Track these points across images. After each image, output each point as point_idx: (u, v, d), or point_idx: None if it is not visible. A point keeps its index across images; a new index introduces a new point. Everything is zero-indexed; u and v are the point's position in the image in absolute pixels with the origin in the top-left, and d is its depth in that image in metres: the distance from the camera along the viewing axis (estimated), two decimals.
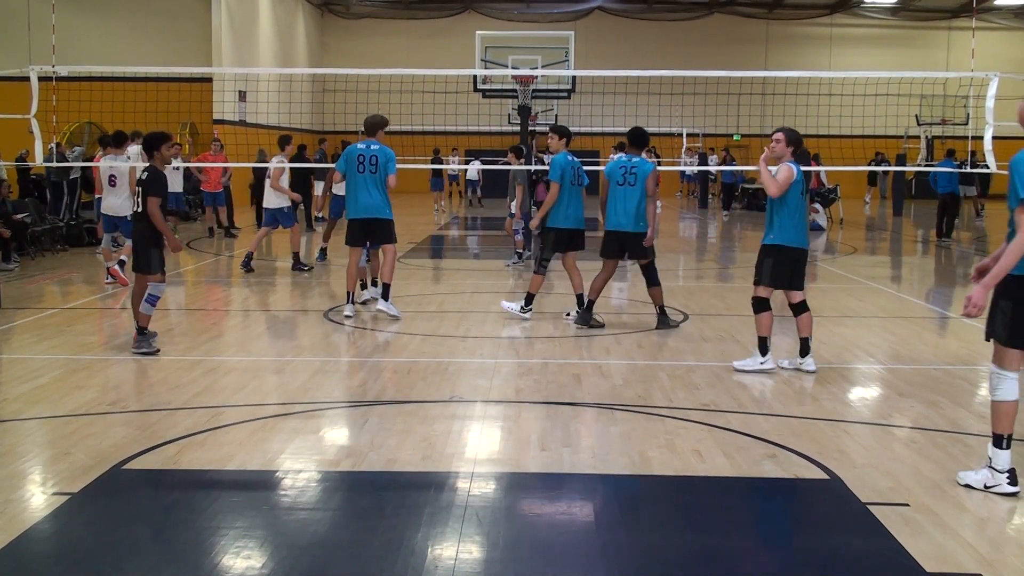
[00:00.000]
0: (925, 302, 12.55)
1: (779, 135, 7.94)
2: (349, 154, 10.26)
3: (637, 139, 9.94)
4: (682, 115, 24.25)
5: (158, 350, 8.60)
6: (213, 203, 20.20)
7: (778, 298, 8.26)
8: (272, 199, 14.49)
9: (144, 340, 8.64)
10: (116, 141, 13.57)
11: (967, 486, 5.33)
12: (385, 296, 10.34)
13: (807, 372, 8.00)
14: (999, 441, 5.28)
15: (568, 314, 10.22)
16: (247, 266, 14.23)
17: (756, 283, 8.05)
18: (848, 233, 22.10)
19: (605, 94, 24.84)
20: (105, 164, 13.35)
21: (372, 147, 10.22)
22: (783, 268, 7.93)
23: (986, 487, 5.29)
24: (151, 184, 8.60)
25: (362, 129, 10.77)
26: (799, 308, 8.04)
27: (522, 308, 10.27)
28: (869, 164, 29.67)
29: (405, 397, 7.21)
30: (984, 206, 27.38)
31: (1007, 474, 5.26)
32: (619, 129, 25.85)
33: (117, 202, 13.01)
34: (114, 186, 13.15)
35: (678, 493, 5.44)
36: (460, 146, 31.75)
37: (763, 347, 8.00)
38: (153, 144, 8.72)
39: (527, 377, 7.87)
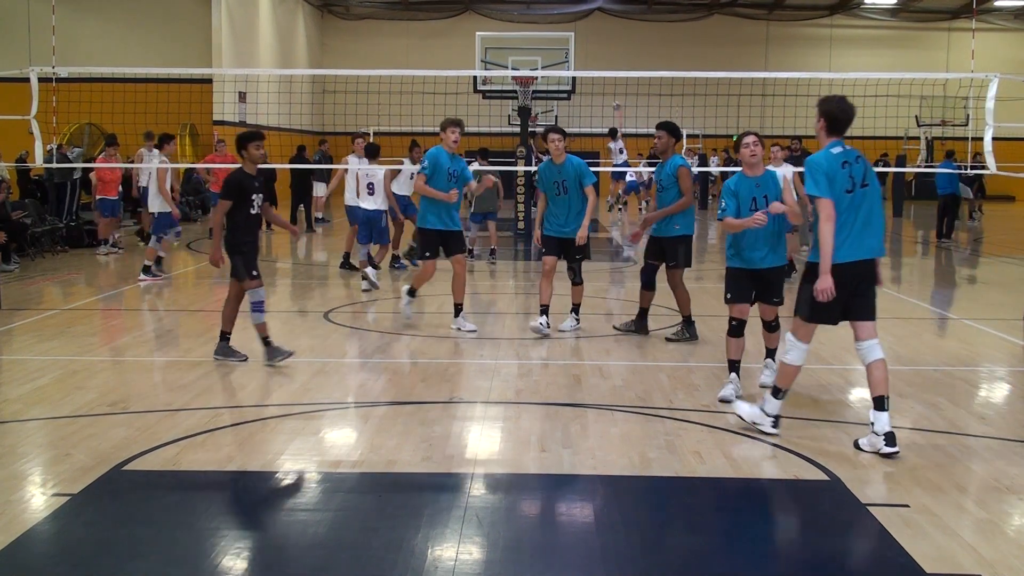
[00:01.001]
0: (925, 303, 12.55)
1: (754, 138, 7.34)
2: None
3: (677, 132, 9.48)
4: (682, 116, 24.16)
5: (290, 353, 8.23)
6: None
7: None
8: (378, 202, 13.43)
9: (274, 350, 8.19)
10: (160, 140, 14.29)
11: (738, 416, 6.41)
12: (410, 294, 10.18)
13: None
14: (776, 392, 6.29)
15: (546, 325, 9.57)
16: (398, 263, 14.36)
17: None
18: None
19: (605, 95, 24.84)
20: (156, 164, 13.85)
21: None
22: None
23: (753, 422, 6.32)
24: (224, 187, 8.21)
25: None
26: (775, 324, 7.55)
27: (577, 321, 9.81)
28: (876, 164, 29.67)
29: (405, 398, 7.21)
30: (982, 207, 27.32)
31: (773, 419, 6.28)
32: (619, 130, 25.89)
33: (151, 200, 13.71)
34: (145, 184, 14.42)
35: (678, 494, 5.44)
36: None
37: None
38: (240, 143, 8.21)
39: (527, 378, 7.87)
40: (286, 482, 5.46)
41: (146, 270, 13.43)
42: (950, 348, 9.31)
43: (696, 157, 31.72)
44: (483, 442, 6.23)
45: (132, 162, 18.30)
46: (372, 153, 13.34)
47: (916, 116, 29.18)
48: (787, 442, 6.14)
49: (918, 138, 31.11)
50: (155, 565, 4.39)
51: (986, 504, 5.19)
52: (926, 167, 28.46)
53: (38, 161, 14.29)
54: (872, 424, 6.00)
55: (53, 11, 17.87)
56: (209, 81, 26.84)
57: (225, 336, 8.42)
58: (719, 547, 4.70)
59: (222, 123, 26.49)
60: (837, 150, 6.09)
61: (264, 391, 7.48)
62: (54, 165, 16.76)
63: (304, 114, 31.48)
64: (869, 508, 5.05)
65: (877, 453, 5.91)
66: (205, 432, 6.28)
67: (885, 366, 6.05)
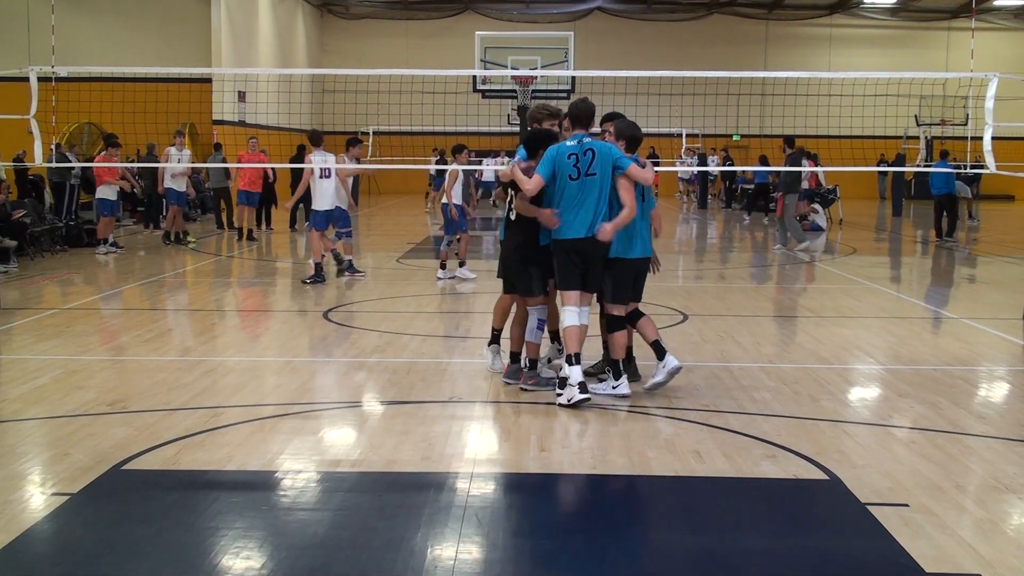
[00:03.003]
0: (924, 303, 12.55)
1: (608, 125, 7.40)
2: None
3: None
4: (681, 115, 24.21)
5: (554, 385, 7.20)
6: (247, 202, 19.49)
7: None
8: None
9: (535, 374, 7.43)
10: (348, 144, 14.13)
11: (561, 405, 6.85)
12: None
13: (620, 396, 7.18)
14: (569, 360, 6.92)
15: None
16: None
17: (612, 300, 7.23)
18: (848, 233, 22.10)
19: (604, 95, 24.80)
20: (317, 160, 13.45)
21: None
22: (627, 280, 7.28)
23: (570, 401, 6.82)
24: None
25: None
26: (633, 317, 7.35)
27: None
28: (879, 164, 29.68)
29: (405, 397, 7.21)
30: (977, 207, 27.30)
31: (579, 386, 6.81)
32: None
33: (327, 198, 13.39)
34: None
35: (678, 494, 5.44)
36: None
37: (619, 370, 7.23)
38: (542, 142, 7.28)
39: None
40: (285, 481, 5.45)
41: (350, 267, 13.62)
42: (950, 348, 9.31)
43: (696, 156, 31.77)
44: (483, 442, 6.23)
45: (132, 161, 18.36)
46: (456, 152, 13.62)
47: (916, 115, 29.19)
48: (787, 442, 6.14)
49: (917, 137, 31.12)
50: (155, 565, 4.39)
51: (985, 504, 5.18)
52: (925, 167, 28.46)
53: (37, 160, 14.29)
54: (568, 378, 6.89)
55: (53, 11, 17.89)
56: (208, 81, 26.84)
57: (516, 358, 7.53)
58: (719, 547, 4.69)
59: (221, 123, 26.51)
60: (571, 143, 7.06)
61: (263, 391, 7.48)
62: (54, 164, 16.77)
63: (304, 114, 31.49)
64: (869, 508, 5.04)
65: (570, 403, 6.78)
66: (204, 432, 6.28)
67: (585, 331, 7.11)
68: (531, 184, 7.02)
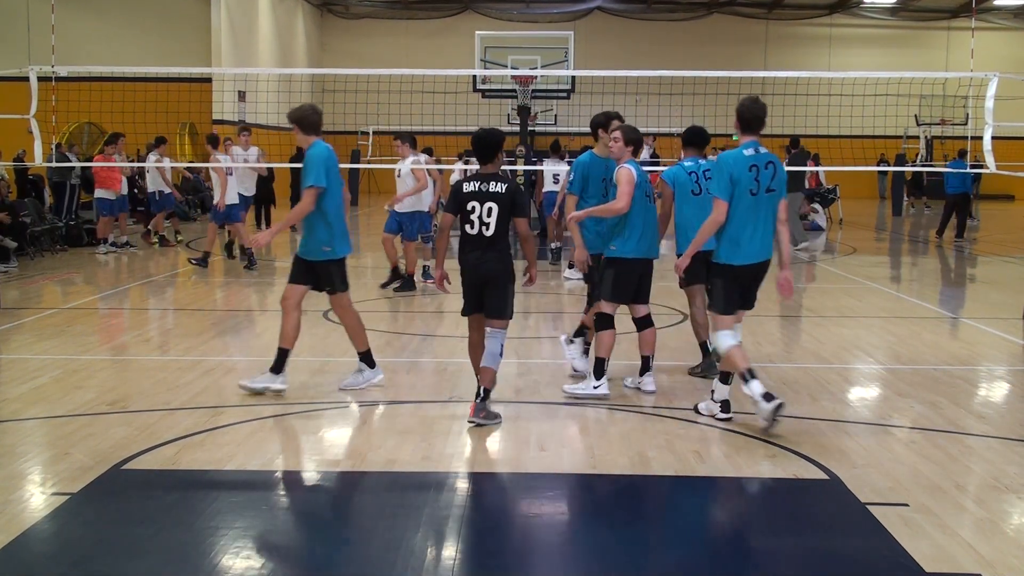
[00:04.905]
0: (924, 302, 12.55)
1: (617, 134, 7.07)
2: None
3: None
4: (681, 115, 24.16)
5: (498, 418, 6.53)
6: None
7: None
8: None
9: (484, 407, 6.47)
10: (211, 142, 15.41)
11: (697, 410, 6.70)
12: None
13: (646, 392, 7.28)
14: (744, 377, 6.31)
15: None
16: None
17: (597, 298, 7.15)
18: (848, 233, 22.09)
19: (604, 94, 24.82)
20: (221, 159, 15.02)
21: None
22: (627, 280, 7.04)
23: (710, 414, 6.61)
24: (522, 198, 6.68)
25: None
26: (643, 323, 7.28)
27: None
28: (879, 164, 29.65)
29: (405, 397, 7.21)
30: (977, 207, 27.28)
31: (764, 396, 6.20)
32: None
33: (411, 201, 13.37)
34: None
35: (678, 493, 5.44)
36: (460, 146, 31.74)
37: (600, 370, 7.10)
38: (498, 147, 6.70)
39: (527, 377, 7.86)
40: (285, 481, 5.45)
41: (424, 272, 13.22)
42: (950, 347, 9.31)
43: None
44: (483, 441, 6.22)
45: (132, 161, 18.35)
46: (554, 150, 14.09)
47: (916, 115, 29.17)
48: (787, 442, 6.14)
49: (917, 137, 31.11)
50: (154, 564, 4.39)
51: (985, 503, 5.19)
52: (923, 166, 28.41)
53: (37, 160, 14.29)
54: (712, 392, 6.69)
55: (53, 10, 17.84)
56: (208, 80, 26.82)
57: (488, 393, 6.53)
58: (719, 547, 4.70)
59: (222, 122, 26.48)
60: (749, 152, 6.29)
61: None
62: (54, 164, 16.76)
63: None
64: (869, 507, 5.05)
65: (771, 419, 6.20)
66: (204, 431, 6.28)
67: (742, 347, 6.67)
68: (717, 213, 6.28)
